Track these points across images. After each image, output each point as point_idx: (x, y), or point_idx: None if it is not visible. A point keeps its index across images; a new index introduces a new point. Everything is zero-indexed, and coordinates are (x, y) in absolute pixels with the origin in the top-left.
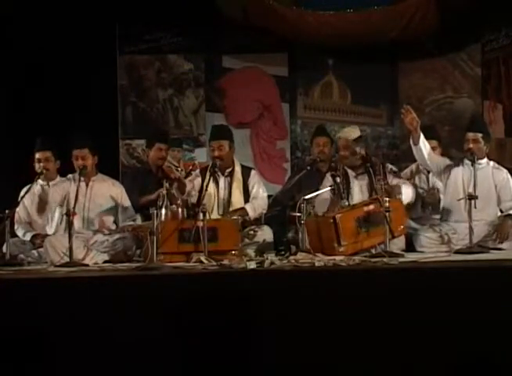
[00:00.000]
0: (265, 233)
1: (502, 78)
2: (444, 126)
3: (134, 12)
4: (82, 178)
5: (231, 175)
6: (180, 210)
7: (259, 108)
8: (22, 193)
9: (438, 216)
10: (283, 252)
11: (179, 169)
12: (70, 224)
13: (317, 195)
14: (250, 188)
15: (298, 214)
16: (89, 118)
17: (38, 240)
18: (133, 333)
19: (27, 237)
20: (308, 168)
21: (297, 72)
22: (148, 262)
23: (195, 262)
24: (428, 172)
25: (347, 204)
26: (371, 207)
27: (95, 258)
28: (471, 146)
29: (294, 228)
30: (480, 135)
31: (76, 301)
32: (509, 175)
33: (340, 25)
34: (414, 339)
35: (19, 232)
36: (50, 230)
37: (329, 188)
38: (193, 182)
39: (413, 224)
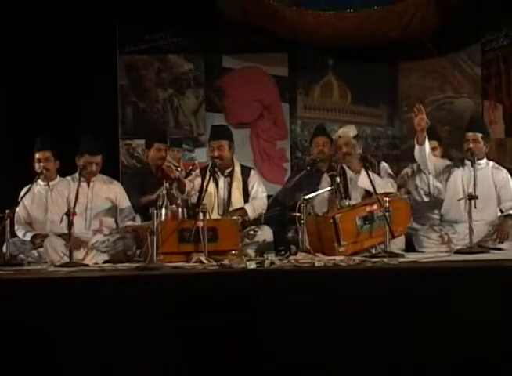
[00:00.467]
0: (265, 233)
1: (502, 78)
2: (444, 126)
3: (134, 13)
4: (83, 179)
5: (231, 175)
6: (180, 210)
7: (259, 108)
8: (22, 193)
9: (437, 216)
10: (283, 252)
11: (179, 169)
12: (70, 224)
13: (317, 195)
14: (249, 188)
15: (298, 214)
16: (89, 118)
17: (38, 240)
18: (133, 333)
19: (27, 237)
20: (308, 168)
21: (297, 72)
22: (148, 262)
23: (195, 262)
24: (429, 173)
25: (347, 203)
26: (372, 207)
27: (95, 258)
28: (471, 146)
29: (294, 228)
30: (480, 135)
31: (76, 301)
32: (509, 175)
33: (340, 25)
34: (414, 339)
35: (20, 232)
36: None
37: (329, 188)
38: (193, 182)
39: (413, 224)
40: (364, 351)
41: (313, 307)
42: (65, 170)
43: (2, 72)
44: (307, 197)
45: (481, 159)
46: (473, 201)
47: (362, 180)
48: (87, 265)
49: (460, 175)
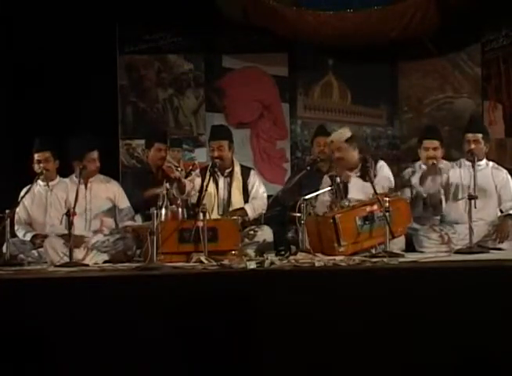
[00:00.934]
0: (265, 233)
1: (502, 78)
2: (444, 126)
3: (134, 13)
4: (81, 180)
5: (230, 175)
6: (180, 210)
7: (259, 108)
8: (22, 194)
9: (438, 217)
10: (282, 252)
11: (179, 169)
12: (70, 224)
13: (317, 195)
14: (249, 188)
15: (298, 214)
16: (89, 118)
17: (38, 240)
18: (133, 333)
19: (27, 237)
20: (308, 168)
21: (297, 72)
22: (148, 262)
23: (195, 262)
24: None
25: (347, 203)
26: (372, 207)
27: (95, 258)
28: (472, 146)
29: (294, 228)
30: (480, 135)
31: (76, 301)
32: (509, 176)
33: (340, 25)
34: (414, 339)
35: (20, 232)
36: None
37: (329, 188)
38: (193, 182)
39: (413, 224)
40: (364, 351)
41: (313, 307)
42: (65, 170)
43: (2, 72)
44: (307, 197)
45: (481, 160)
46: (473, 201)
47: (352, 190)
48: (87, 265)
49: (460, 175)
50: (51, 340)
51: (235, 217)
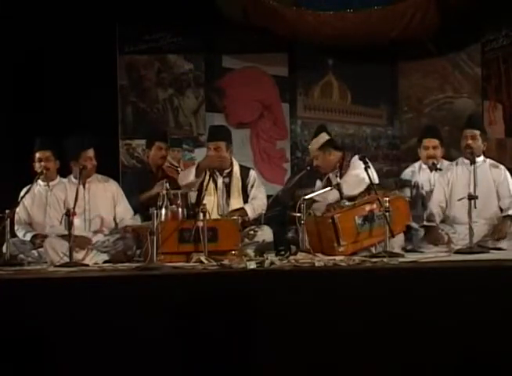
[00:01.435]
0: (265, 233)
1: (502, 78)
2: (444, 126)
3: (134, 13)
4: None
5: (229, 175)
6: (180, 210)
7: (259, 108)
8: (22, 193)
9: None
10: (283, 252)
11: (179, 169)
12: (70, 224)
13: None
14: (249, 188)
15: (298, 214)
16: (89, 118)
17: (38, 240)
18: (133, 333)
19: (27, 237)
20: (308, 168)
21: (297, 72)
22: (148, 262)
23: (195, 262)
24: (430, 171)
25: (346, 203)
26: (372, 206)
27: (95, 258)
28: (470, 142)
29: (294, 228)
30: (478, 132)
31: (76, 301)
32: (507, 172)
33: (340, 25)
34: (414, 339)
35: (20, 232)
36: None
37: (329, 188)
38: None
39: (413, 224)
40: (364, 351)
41: (313, 307)
42: (65, 170)
43: (2, 72)
44: (307, 197)
45: (479, 156)
46: (473, 201)
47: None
48: (87, 265)
49: (459, 175)
50: (51, 340)
51: (235, 217)
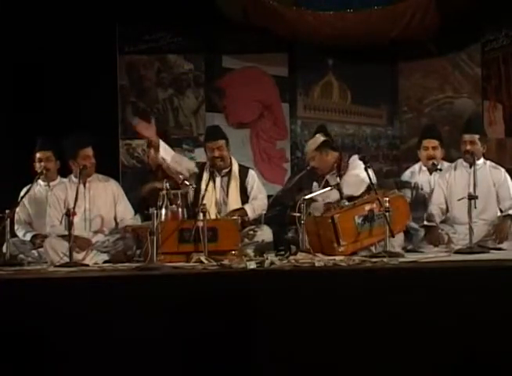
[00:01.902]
0: (265, 233)
1: (502, 78)
2: (444, 126)
3: (134, 13)
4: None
5: (228, 174)
6: (180, 210)
7: (259, 108)
8: (22, 193)
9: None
10: (283, 252)
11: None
12: (70, 224)
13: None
14: (248, 189)
15: (298, 214)
16: (89, 118)
17: (38, 240)
18: (133, 333)
19: (27, 237)
20: (308, 168)
21: (297, 72)
22: (148, 262)
23: (195, 262)
24: (430, 173)
25: (346, 203)
26: (371, 205)
27: (95, 258)
28: (469, 148)
29: (294, 228)
30: (477, 136)
31: (76, 301)
32: (506, 174)
33: (340, 25)
34: (414, 339)
35: (20, 232)
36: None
37: (329, 188)
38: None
39: (413, 224)
40: (364, 351)
41: (313, 307)
42: (65, 170)
43: (2, 72)
44: (307, 197)
45: (479, 159)
46: (473, 201)
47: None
48: (87, 265)
49: (458, 177)
50: (51, 340)
51: (235, 217)
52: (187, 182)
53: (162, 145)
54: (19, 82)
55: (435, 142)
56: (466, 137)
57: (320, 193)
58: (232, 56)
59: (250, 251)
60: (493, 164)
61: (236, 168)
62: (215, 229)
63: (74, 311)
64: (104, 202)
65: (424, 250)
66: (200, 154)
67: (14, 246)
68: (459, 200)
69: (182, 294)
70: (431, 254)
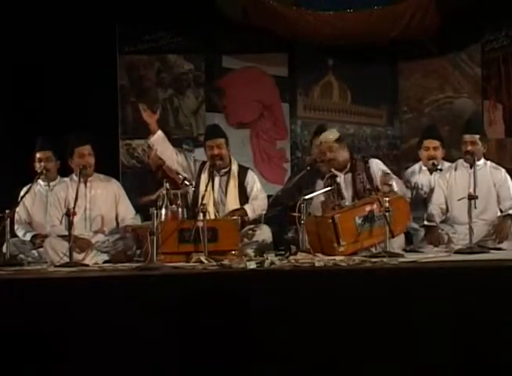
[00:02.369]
0: (264, 233)
1: (502, 78)
2: (444, 126)
3: (134, 12)
4: (81, 179)
5: (227, 174)
6: (180, 210)
7: (259, 108)
8: (22, 193)
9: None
10: (283, 252)
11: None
12: (70, 224)
13: (317, 195)
14: (248, 189)
15: (298, 214)
16: (89, 118)
17: (38, 240)
18: (133, 333)
19: (27, 237)
20: (308, 168)
21: (297, 72)
22: (148, 262)
23: (195, 262)
24: (431, 173)
25: (346, 204)
26: (372, 206)
27: (95, 258)
28: (469, 148)
29: (294, 228)
30: (477, 136)
31: (76, 301)
32: (507, 174)
33: (340, 25)
34: (414, 339)
35: (20, 232)
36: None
37: (329, 188)
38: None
39: (413, 224)
40: (364, 351)
41: (313, 307)
42: (65, 170)
43: (2, 72)
44: (307, 197)
45: (479, 160)
46: (473, 201)
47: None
48: (87, 265)
49: (459, 177)
50: (51, 340)
51: (235, 217)
52: (187, 182)
53: (161, 135)
54: (19, 82)
55: (436, 143)
56: (467, 137)
57: (320, 193)
58: (232, 56)
59: (250, 251)
60: (494, 164)
61: (235, 167)
62: (215, 229)
63: (74, 311)
64: (105, 202)
65: (424, 250)
66: (201, 154)
67: (14, 246)
68: (459, 200)
69: (182, 294)
70: (431, 254)
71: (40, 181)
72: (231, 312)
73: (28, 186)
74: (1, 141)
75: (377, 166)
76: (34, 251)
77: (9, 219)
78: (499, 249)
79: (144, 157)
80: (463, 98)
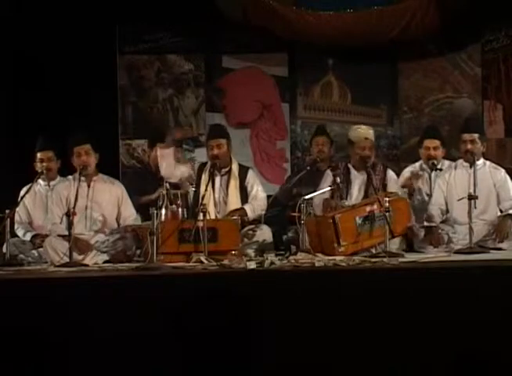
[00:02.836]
0: (264, 233)
1: (502, 78)
2: (444, 126)
3: (134, 13)
4: (83, 179)
5: (228, 174)
6: (180, 210)
7: (259, 108)
8: (22, 193)
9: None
10: (283, 252)
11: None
12: (70, 224)
13: (317, 195)
14: (248, 189)
15: (298, 214)
16: (89, 118)
17: (38, 240)
18: (133, 333)
19: (27, 237)
20: (308, 168)
21: (297, 72)
22: (148, 262)
23: (195, 262)
24: (430, 172)
25: (347, 203)
26: (372, 206)
27: (95, 258)
28: (469, 146)
29: (294, 228)
30: (476, 135)
31: (76, 301)
32: (507, 175)
33: (340, 25)
34: (414, 339)
35: (20, 232)
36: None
37: (328, 188)
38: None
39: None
40: (364, 351)
41: (313, 307)
42: (65, 170)
43: (2, 72)
44: (307, 197)
45: (479, 159)
46: (473, 201)
47: (355, 187)
48: (87, 265)
49: (458, 177)
50: (51, 340)
51: (235, 217)
52: (187, 183)
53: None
54: (20, 82)
55: (436, 143)
56: (466, 136)
57: (320, 193)
58: (232, 56)
59: (250, 251)
60: (493, 164)
61: (235, 167)
62: (215, 229)
63: (74, 311)
64: (107, 203)
65: (424, 250)
66: (201, 154)
67: (14, 246)
68: (459, 200)
69: (182, 294)
70: (431, 254)
71: (40, 180)
72: (231, 313)
73: (28, 186)
74: (1, 141)
75: (393, 173)
76: (34, 251)
77: (8, 219)
78: (499, 249)
79: (144, 157)
80: (463, 98)
